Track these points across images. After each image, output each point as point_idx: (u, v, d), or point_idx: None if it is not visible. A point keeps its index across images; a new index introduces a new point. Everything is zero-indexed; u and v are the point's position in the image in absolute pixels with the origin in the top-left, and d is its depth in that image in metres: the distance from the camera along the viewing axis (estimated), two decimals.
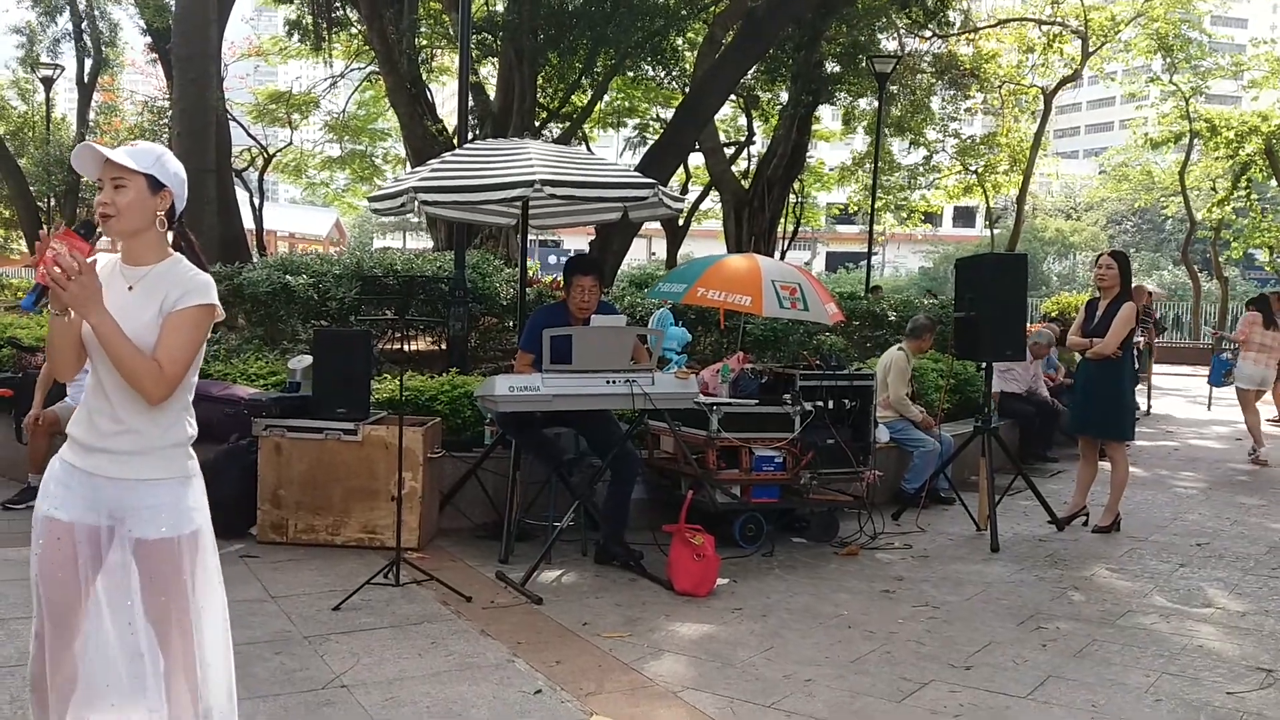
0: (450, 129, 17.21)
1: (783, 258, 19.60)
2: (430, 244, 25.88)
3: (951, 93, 23.55)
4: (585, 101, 17.27)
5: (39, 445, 6.56)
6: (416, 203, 6.12)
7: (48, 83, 21.88)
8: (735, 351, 7.21)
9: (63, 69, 22.34)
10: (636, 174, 6.52)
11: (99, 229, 2.57)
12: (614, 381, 5.43)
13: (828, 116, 25.72)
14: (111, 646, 2.62)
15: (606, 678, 4.16)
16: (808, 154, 19.97)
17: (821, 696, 4.04)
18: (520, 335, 6.49)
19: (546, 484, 6.16)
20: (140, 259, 2.65)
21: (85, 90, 22.38)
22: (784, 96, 19.35)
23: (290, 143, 24.25)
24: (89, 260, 2.46)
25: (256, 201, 22.68)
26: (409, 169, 22.07)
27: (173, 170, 2.65)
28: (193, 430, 2.72)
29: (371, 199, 6.88)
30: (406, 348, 9.53)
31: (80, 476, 2.63)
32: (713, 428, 6.14)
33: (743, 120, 22.22)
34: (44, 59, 22.49)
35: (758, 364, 7.43)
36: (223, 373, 7.28)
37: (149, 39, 15.15)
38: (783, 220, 20.83)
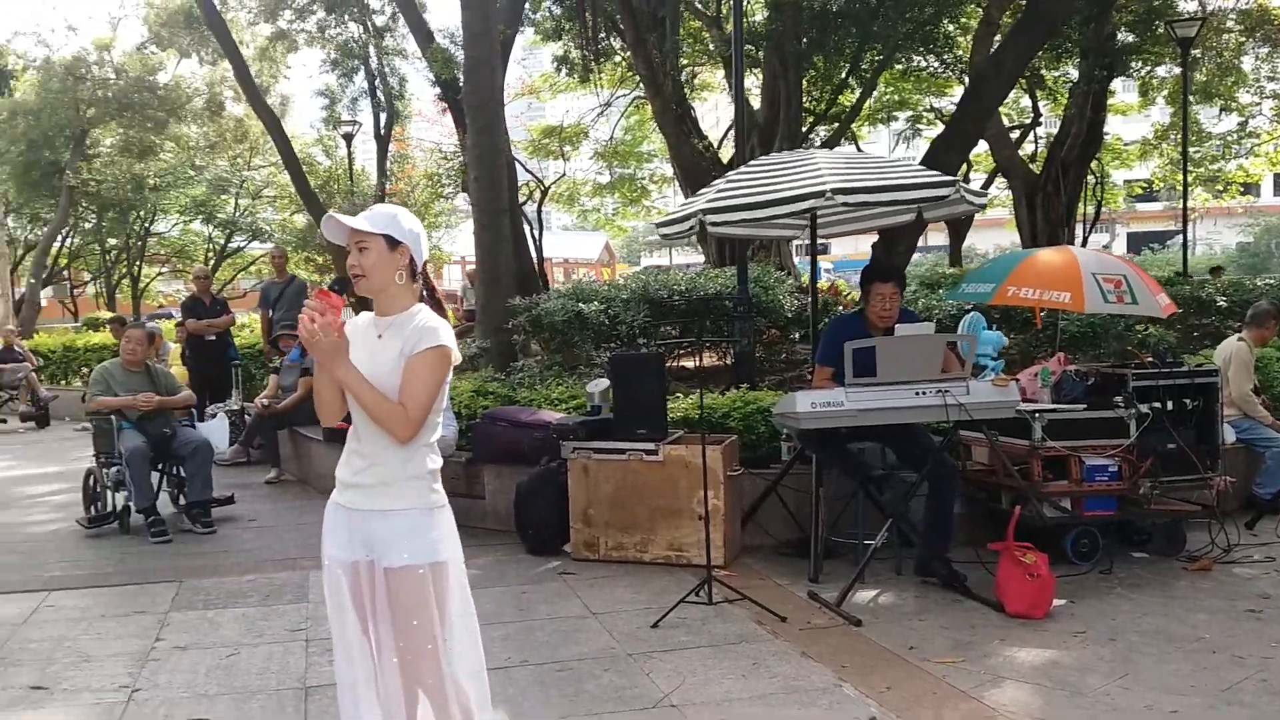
0: (715, 145, 17.39)
1: (1084, 243, 18.40)
2: (700, 259, 26.19)
3: (1265, 50, 21.27)
4: (853, 100, 16.93)
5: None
6: (705, 225, 6.13)
7: (348, 138, 23.76)
8: (1050, 353, 6.76)
9: (360, 125, 24.24)
10: (934, 173, 6.24)
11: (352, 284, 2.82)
12: (924, 393, 5.21)
13: (1121, 89, 23.90)
14: (372, 673, 2.86)
15: (944, 706, 3.97)
16: (1104, 131, 18.61)
17: None
18: (814, 349, 6.36)
19: (852, 500, 6.00)
20: (387, 310, 2.87)
21: (382, 142, 24.18)
22: (1073, 73, 18.20)
23: (563, 174, 25.20)
24: (340, 318, 2.73)
25: (536, 233, 23.74)
26: (677, 187, 22.51)
27: (407, 228, 2.83)
28: (435, 464, 2.89)
29: (660, 225, 6.97)
30: (690, 364, 9.63)
31: (341, 513, 2.88)
32: (1036, 436, 5.75)
33: (1026, 101, 21.06)
34: (344, 117, 24.48)
35: (1080, 365, 6.91)
36: (528, 399, 7.60)
37: (438, 90, 16.13)
38: (1081, 203, 19.55)
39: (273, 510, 8.10)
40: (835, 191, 5.60)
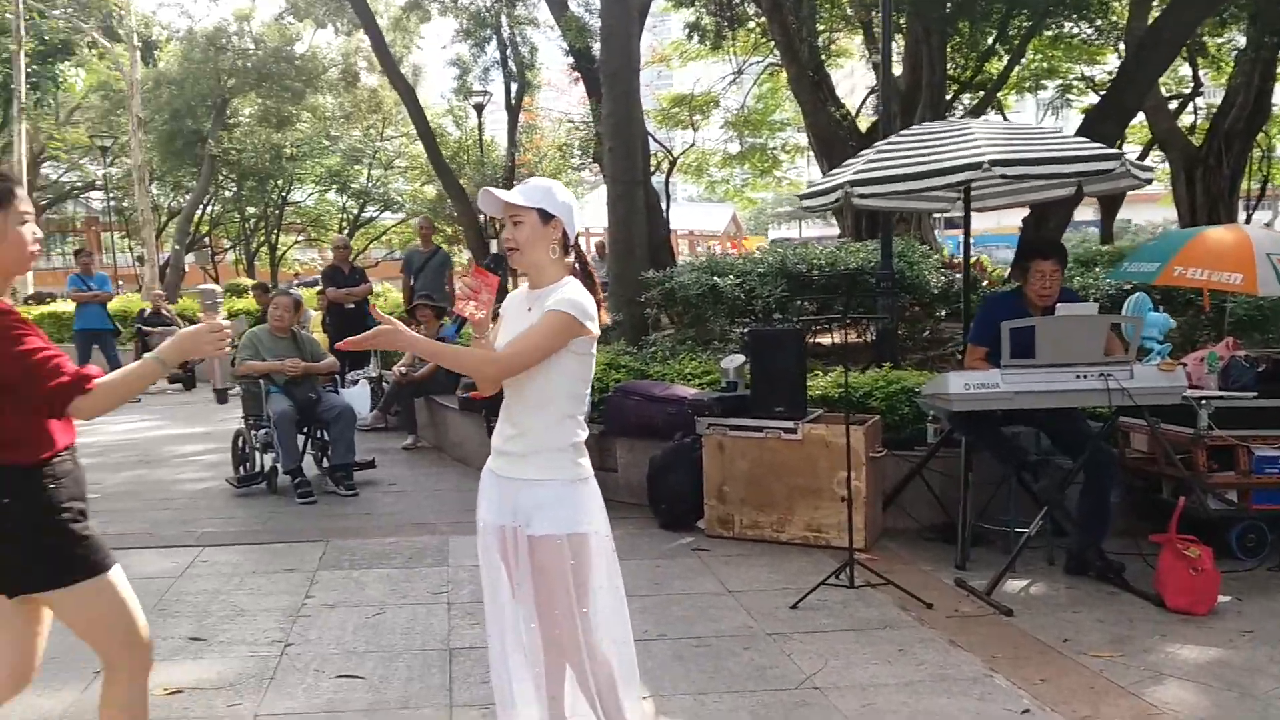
0: (852, 113, 16.97)
1: (1248, 221, 17.43)
2: (832, 232, 25.74)
3: None
4: (1000, 68, 16.31)
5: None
6: (851, 197, 5.95)
7: (479, 109, 23.99)
8: (1217, 337, 6.38)
9: (491, 95, 24.46)
10: (1098, 145, 5.93)
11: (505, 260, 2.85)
12: (1085, 376, 4.97)
13: None
14: (519, 636, 2.91)
15: (1102, 701, 3.80)
16: (1272, 102, 17.53)
17: None
18: (965, 327, 6.13)
19: (1001, 485, 5.78)
20: (538, 283, 2.91)
21: (512, 113, 24.36)
22: (1240, 39, 17.16)
23: (692, 144, 24.99)
24: (494, 295, 2.83)
25: (664, 205, 23.63)
26: (810, 157, 22.10)
27: (561, 201, 2.86)
28: (579, 437, 2.91)
29: (803, 196, 6.82)
30: (827, 341, 9.44)
31: (492, 478, 2.95)
32: (1202, 424, 5.44)
33: (1185, 70, 19.96)
34: (476, 87, 24.73)
35: (1249, 350, 6.52)
36: (661, 373, 7.56)
37: (570, 59, 16.15)
38: (1245, 178, 18.49)
39: (411, 476, 8.27)
40: (994, 163, 5.37)
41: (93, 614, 2.67)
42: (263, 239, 39.60)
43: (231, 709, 3.78)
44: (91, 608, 2.66)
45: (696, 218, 43.01)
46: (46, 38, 30.95)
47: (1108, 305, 7.46)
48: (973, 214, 6.64)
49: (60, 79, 33.83)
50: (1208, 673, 4.10)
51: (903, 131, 6.78)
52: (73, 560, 2.60)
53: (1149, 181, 6.04)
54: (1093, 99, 19.53)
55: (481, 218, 20.24)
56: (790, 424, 5.88)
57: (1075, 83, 21.17)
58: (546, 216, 2.84)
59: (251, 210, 37.53)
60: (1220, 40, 18.33)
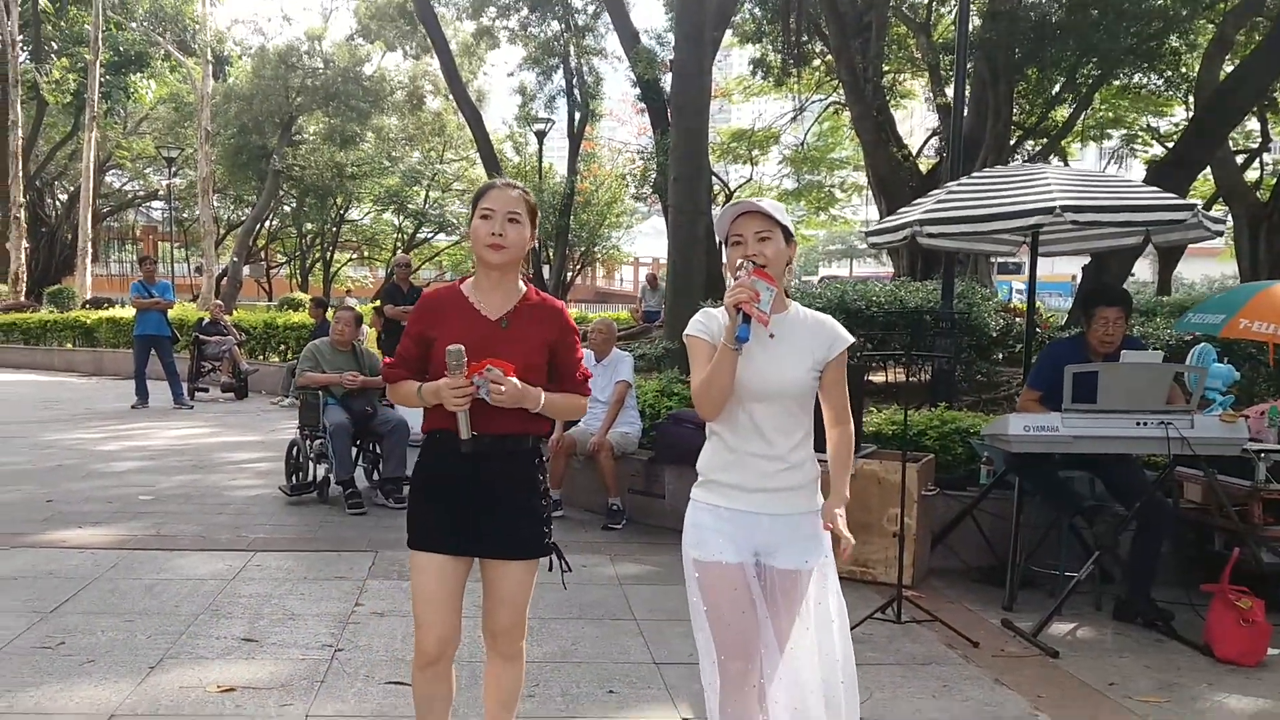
0: (913, 153, 16.99)
1: None
2: (883, 270, 25.64)
3: None
4: (1065, 115, 16.26)
5: (559, 465, 7.23)
6: (918, 236, 5.98)
7: (540, 135, 24.33)
8: (1276, 392, 6.31)
9: (553, 122, 24.78)
10: (1170, 195, 5.92)
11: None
12: (1145, 424, 4.94)
13: None
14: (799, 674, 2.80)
15: None
16: None
17: None
18: (1025, 371, 6.11)
19: (1051, 529, 5.75)
20: (777, 307, 2.76)
21: (574, 140, 24.67)
22: None
23: (750, 178, 25.17)
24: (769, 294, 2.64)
25: (718, 239, 23.64)
26: (867, 197, 22.10)
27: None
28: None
29: (869, 232, 6.85)
30: (879, 379, 9.43)
31: (738, 518, 2.75)
32: (1259, 477, 5.38)
33: (1254, 124, 19.79)
34: (539, 114, 25.07)
35: None
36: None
37: (638, 90, 16.34)
38: None
39: None
40: (1065, 209, 5.38)
41: None
42: (318, 255, 40.21)
43: (283, 709, 3.83)
44: None
45: None
46: (122, 49, 31.82)
47: (1169, 356, 7.40)
48: (1026, 261, 6.60)
49: (132, 89, 34.73)
50: None
51: (975, 174, 6.80)
52: None
53: (1220, 234, 6.01)
54: (1157, 150, 19.39)
55: (536, 242, 20.48)
56: None
57: (1140, 133, 21.05)
58: (788, 236, 2.75)
59: (309, 226, 38.15)
60: None
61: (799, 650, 2.79)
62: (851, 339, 2.80)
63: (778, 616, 2.76)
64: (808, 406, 2.77)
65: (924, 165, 16.61)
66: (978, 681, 4.38)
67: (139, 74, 34.35)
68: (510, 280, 2.96)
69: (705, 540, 2.76)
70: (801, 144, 23.73)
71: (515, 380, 2.76)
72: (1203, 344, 6.30)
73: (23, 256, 27.36)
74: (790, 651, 2.79)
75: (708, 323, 2.80)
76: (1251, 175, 19.97)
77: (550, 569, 3.03)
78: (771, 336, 2.72)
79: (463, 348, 2.74)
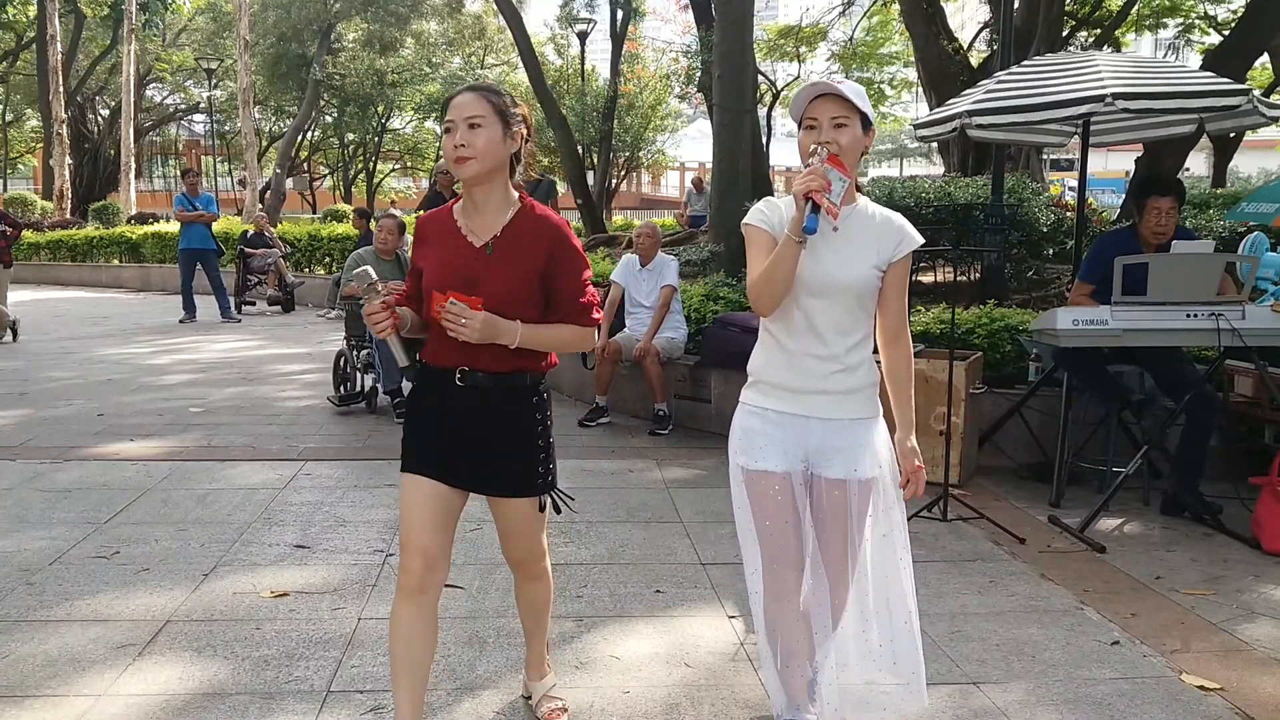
0: (964, 47, 16.50)
1: None
2: (935, 171, 25.13)
3: None
4: (1119, 4, 15.67)
5: (605, 371, 7.26)
6: (967, 128, 5.83)
7: (583, 36, 23.84)
8: None
9: (595, 22, 24.28)
10: (1225, 80, 5.70)
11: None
12: (1196, 315, 4.85)
13: None
14: (820, 589, 2.71)
15: (1192, 636, 3.78)
16: None
17: None
18: (1075, 266, 6.00)
19: (1100, 425, 5.70)
20: (850, 198, 2.60)
21: (617, 40, 24.16)
22: None
23: (797, 76, 24.56)
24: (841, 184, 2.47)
25: (765, 139, 23.39)
26: (918, 93, 21.53)
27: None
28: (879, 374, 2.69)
29: (918, 125, 6.69)
30: (927, 279, 9.31)
31: (787, 421, 2.64)
32: None
33: None
34: (581, 14, 24.55)
35: None
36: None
37: None
38: None
39: None
40: (1117, 96, 5.21)
41: None
42: (361, 166, 40.18)
43: (335, 612, 3.89)
44: None
45: (795, 155, 42.39)
46: None
47: (1222, 247, 7.24)
48: (1072, 151, 6.42)
49: (169, 1, 34.54)
50: None
51: (1025, 63, 6.58)
52: None
53: (1277, 119, 5.80)
54: (1214, 39, 18.68)
55: (580, 148, 20.23)
56: None
57: (1198, 21, 20.27)
58: (866, 125, 2.55)
59: (351, 137, 38.04)
60: None
61: (851, 571, 2.67)
62: (921, 240, 2.61)
63: (824, 529, 2.66)
64: (868, 306, 2.61)
65: (975, 59, 16.13)
66: (1024, 577, 4.40)
67: None
68: (497, 197, 2.65)
69: (752, 446, 2.65)
70: (850, 39, 23.09)
71: (480, 314, 2.50)
72: (1256, 233, 6.14)
73: (67, 173, 27.59)
74: (837, 569, 2.67)
75: (769, 213, 2.63)
76: None
77: (542, 509, 2.82)
78: (835, 230, 2.55)
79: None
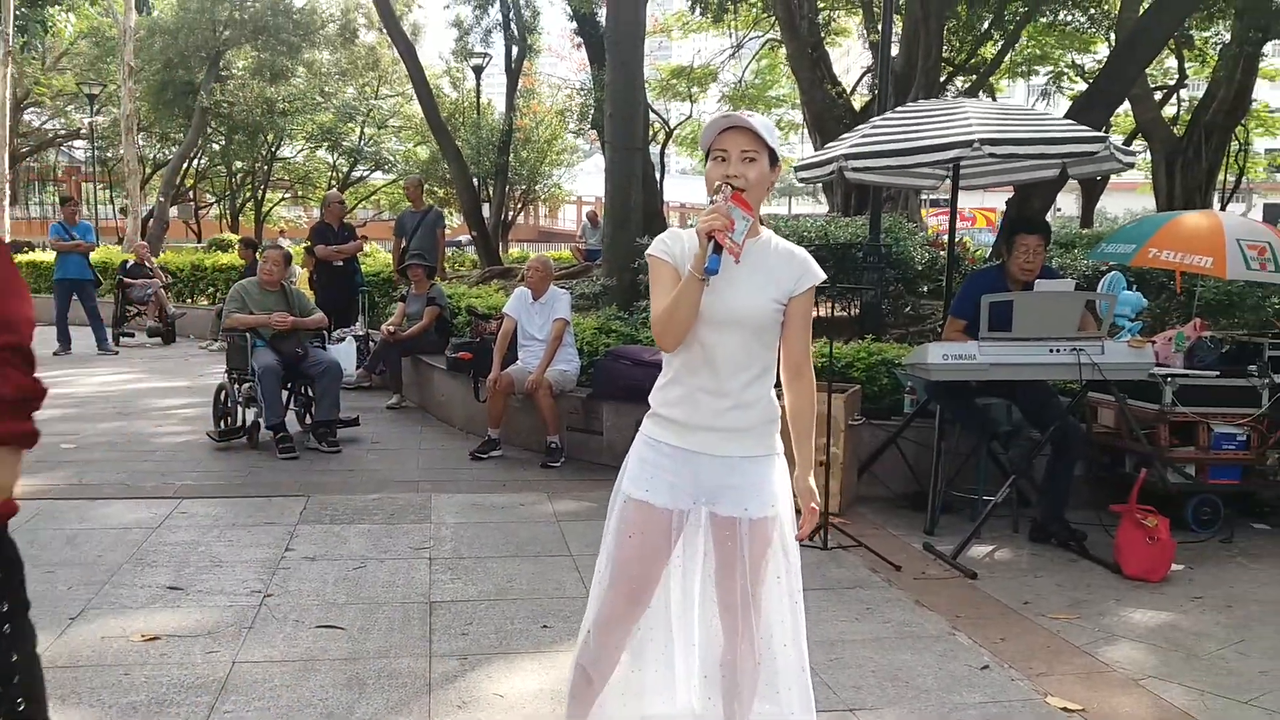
0: (848, 91, 17.03)
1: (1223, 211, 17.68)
2: (820, 209, 25.78)
3: None
4: (994, 52, 16.39)
5: (497, 404, 7.25)
6: (844, 170, 6.05)
7: (478, 71, 23.74)
8: (1186, 318, 6.53)
9: (490, 57, 24.27)
10: (1084, 128, 6.04)
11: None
12: (1058, 350, 5.11)
13: (1272, 52, 22.60)
14: (674, 626, 2.67)
15: (1057, 659, 3.96)
16: (1252, 97, 17.66)
17: None
18: (946, 303, 6.25)
19: (971, 456, 5.94)
20: (754, 233, 2.53)
21: (512, 76, 24.16)
22: (1225, 34, 17.30)
23: (689, 116, 24.97)
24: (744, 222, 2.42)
25: (659, 176, 23.64)
26: (804, 135, 22.11)
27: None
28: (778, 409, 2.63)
29: (798, 168, 6.89)
30: (815, 314, 9.52)
31: (677, 455, 2.58)
32: (1166, 401, 5.63)
33: (1171, 62, 20.15)
34: (476, 49, 24.52)
35: (1215, 332, 6.70)
36: (651, 339, 7.62)
37: (574, 24, 16.08)
38: (1222, 170, 18.67)
39: (395, 434, 8.31)
40: (983, 142, 5.47)
41: None
42: (249, 194, 39.31)
43: (209, 656, 3.78)
44: None
45: (687, 191, 43.03)
46: None
47: (1084, 285, 7.61)
48: (941, 193, 6.71)
49: (49, 23, 33.41)
50: (1158, 635, 4.27)
51: (899, 109, 6.86)
52: None
53: (1131, 165, 6.16)
54: (1082, 86, 19.68)
55: (475, 180, 20.15)
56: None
57: (1066, 70, 21.34)
58: (774, 161, 2.52)
59: (239, 165, 37.19)
60: (1206, 34, 18.51)
61: (752, 623, 2.59)
62: (823, 275, 2.58)
63: (720, 572, 2.58)
64: (768, 341, 2.56)
65: (858, 103, 16.66)
66: (899, 603, 4.54)
67: (56, 6, 33.06)
68: None
69: (642, 476, 2.60)
70: (740, 81, 23.63)
71: None
72: (1113, 272, 6.49)
73: None
74: (730, 618, 2.60)
75: (672, 244, 2.57)
76: (1169, 111, 20.36)
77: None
78: (736, 263, 2.45)
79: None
